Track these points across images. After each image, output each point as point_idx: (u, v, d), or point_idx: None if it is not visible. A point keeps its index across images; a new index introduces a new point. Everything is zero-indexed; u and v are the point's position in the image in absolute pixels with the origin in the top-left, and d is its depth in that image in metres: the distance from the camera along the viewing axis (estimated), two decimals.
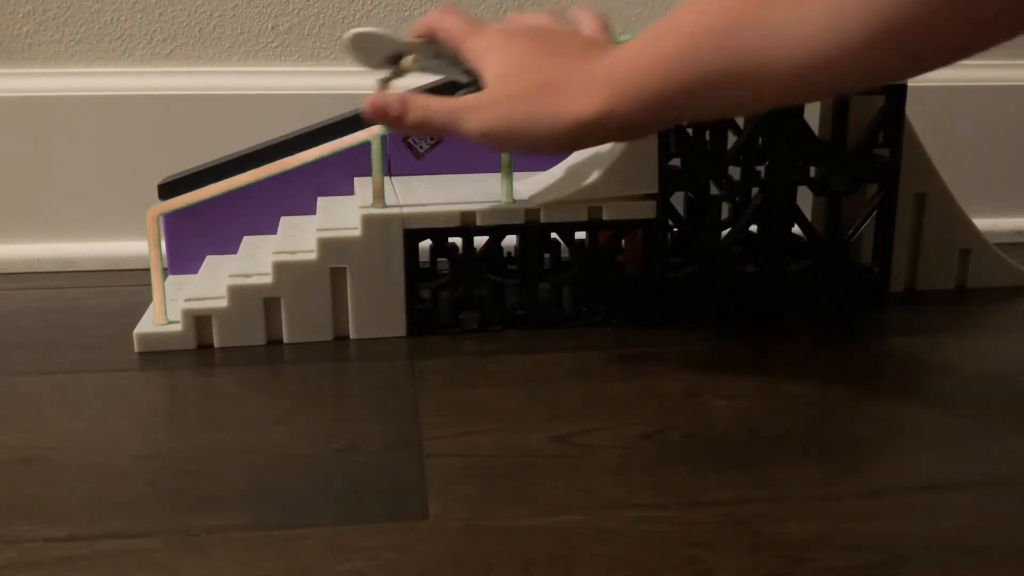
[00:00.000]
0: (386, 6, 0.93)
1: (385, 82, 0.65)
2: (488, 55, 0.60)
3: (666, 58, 0.52)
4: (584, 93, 0.54)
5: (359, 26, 0.67)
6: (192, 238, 0.81)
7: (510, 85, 0.57)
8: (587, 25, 0.65)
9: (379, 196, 0.71)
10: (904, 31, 0.44)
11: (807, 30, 0.46)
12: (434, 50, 0.65)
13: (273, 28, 0.93)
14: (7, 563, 0.42)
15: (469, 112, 0.57)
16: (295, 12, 0.93)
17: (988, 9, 0.42)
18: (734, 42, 0.48)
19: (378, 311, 0.71)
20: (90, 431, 0.56)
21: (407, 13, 0.94)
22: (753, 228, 0.76)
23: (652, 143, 0.71)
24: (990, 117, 1.01)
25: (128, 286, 0.86)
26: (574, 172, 0.74)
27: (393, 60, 0.65)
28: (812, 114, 0.77)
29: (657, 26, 0.53)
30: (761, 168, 0.75)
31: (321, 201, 0.80)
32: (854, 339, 0.72)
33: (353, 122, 0.77)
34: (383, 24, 0.94)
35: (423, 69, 0.65)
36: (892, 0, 0.43)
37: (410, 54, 0.64)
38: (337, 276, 0.70)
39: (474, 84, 0.64)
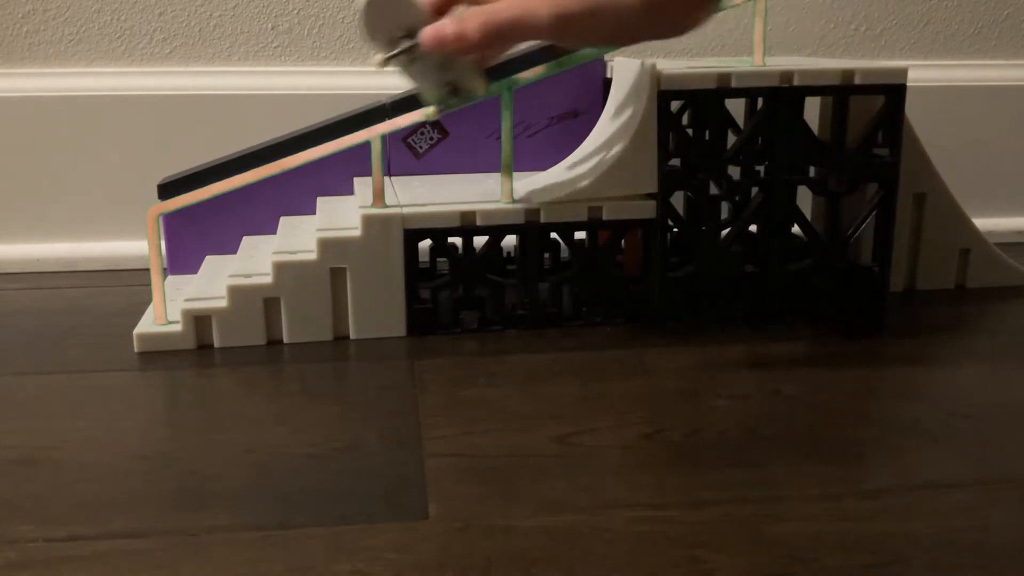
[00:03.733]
0: None
1: (389, 60, 0.58)
2: None
3: None
4: None
5: (359, 28, 0.60)
6: (192, 238, 0.81)
7: None
8: None
9: (379, 196, 0.71)
10: None
11: None
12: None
13: (273, 28, 0.93)
14: (7, 563, 0.42)
15: None
16: (295, 12, 0.93)
17: None
18: None
19: (378, 311, 0.71)
20: (90, 431, 0.56)
21: None
22: (753, 228, 0.76)
23: (652, 143, 0.71)
24: (990, 117, 1.01)
25: (128, 286, 0.86)
26: (574, 172, 0.74)
27: (408, 33, 0.58)
28: (812, 114, 0.77)
29: None
30: (761, 168, 0.75)
31: (321, 201, 0.80)
32: (854, 339, 0.72)
33: (353, 122, 0.77)
34: None
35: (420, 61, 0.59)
36: None
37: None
38: (337, 276, 0.70)
39: (467, 92, 0.61)
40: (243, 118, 0.91)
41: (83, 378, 0.64)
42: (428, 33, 0.56)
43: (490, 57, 0.63)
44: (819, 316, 0.76)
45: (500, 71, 0.75)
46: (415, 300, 0.72)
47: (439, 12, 0.59)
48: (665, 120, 0.71)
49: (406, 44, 0.58)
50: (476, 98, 0.64)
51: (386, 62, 0.58)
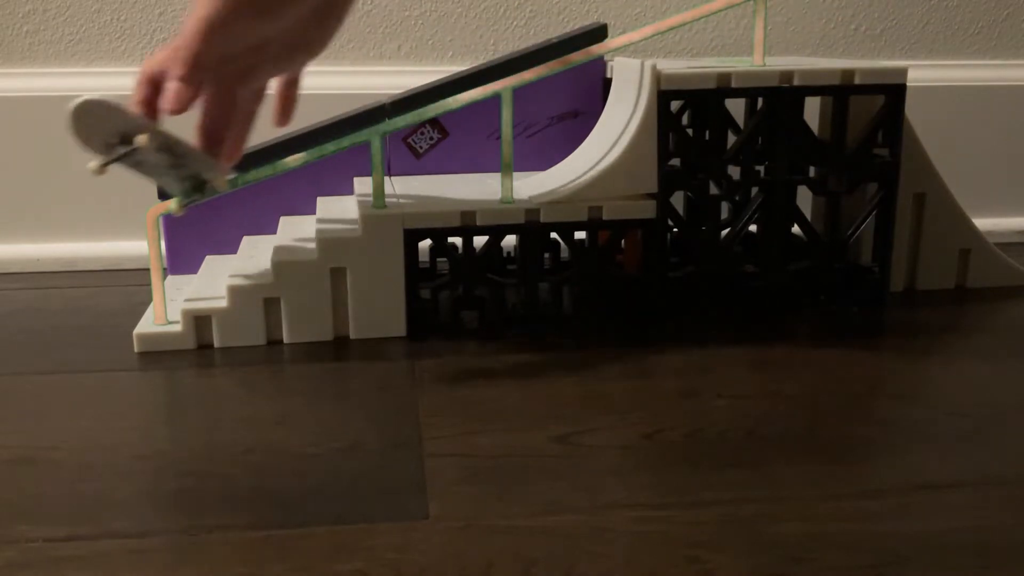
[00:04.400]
0: (385, 6, 0.93)
1: (106, 166, 0.55)
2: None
3: None
4: None
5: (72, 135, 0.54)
6: (192, 238, 0.81)
7: None
8: None
9: (379, 196, 0.71)
10: None
11: None
12: (165, 139, 0.57)
13: None
14: (7, 563, 0.42)
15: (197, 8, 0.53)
16: None
17: None
18: None
19: (378, 311, 0.71)
20: (90, 431, 0.56)
21: (406, 13, 0.94)
22: (753, 228, 0.76)
23: (652, 143, 0.71)
24: (990, 117, 1.01)
25: (128, 286, 0.86)
26: (574, 172, 0.74)
27: (123, 139, 0.55)
28: (812, 114, 0.77)
29: None
30: (761, 168, 0.75)
31: (321, 201, 0.80)
32: (854, 339, 0.72)
33: (353, 122, 0.77)
34: (400, 27, 0.94)
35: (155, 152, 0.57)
36: None
37: (143, 132, 0.56)
38: (337, 276, 0.70)
39: (209, 186, 0.59)
40: None
41: (83, 378, 0.64)
42: (165, 103, 0.54)
43: (234, 142, 0.60)
44: (819, 316, 0.76)
45: (483, 77, 0.75)
46: (415, 300, 0.72)
47: (152, 113, 0.58)
48: (665, 120, 0.71)
49: (123, 150, 0.56)
50: (221, 191, 0.61)
51: (103, 168, 0.56)
